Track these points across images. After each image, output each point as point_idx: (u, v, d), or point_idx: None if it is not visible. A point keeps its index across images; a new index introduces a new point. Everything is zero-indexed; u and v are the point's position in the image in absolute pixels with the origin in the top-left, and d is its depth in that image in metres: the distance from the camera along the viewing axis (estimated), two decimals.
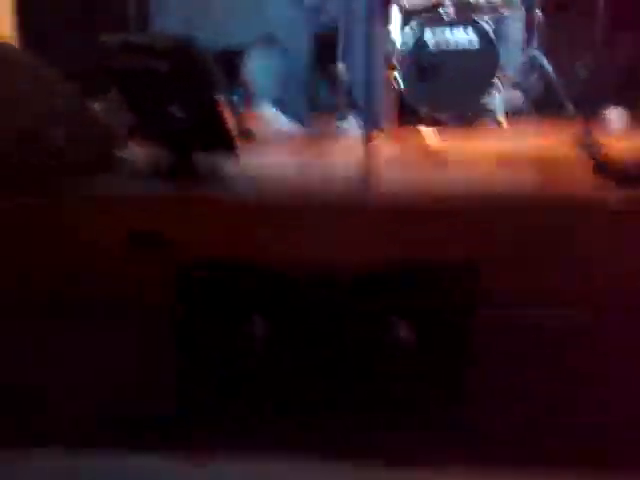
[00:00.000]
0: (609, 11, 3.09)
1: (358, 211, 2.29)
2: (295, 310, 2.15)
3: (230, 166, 2.56)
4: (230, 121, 2.68)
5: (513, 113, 3.96)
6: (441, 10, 3.79)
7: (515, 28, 4.13)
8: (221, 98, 2.62)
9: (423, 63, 3.72)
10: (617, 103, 4.01)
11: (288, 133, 3.50)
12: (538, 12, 4.12)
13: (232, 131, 2.62)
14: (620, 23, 3.35)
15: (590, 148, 2.72)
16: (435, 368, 2.15)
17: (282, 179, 2.54)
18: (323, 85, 4.05)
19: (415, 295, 2.15)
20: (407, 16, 3.93)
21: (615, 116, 4.01)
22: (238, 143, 2.61)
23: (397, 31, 3.93)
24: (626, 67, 4.20)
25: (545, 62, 4.09)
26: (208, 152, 2.59)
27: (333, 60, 3.81)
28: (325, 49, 3.86)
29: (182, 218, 2.25)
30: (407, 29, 3.82)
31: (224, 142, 2.56)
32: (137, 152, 2.80)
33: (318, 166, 2.79)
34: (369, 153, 2.66)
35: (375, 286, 2.16)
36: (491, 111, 3.86)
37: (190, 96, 2.57)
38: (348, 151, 2.91)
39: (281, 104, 3.63)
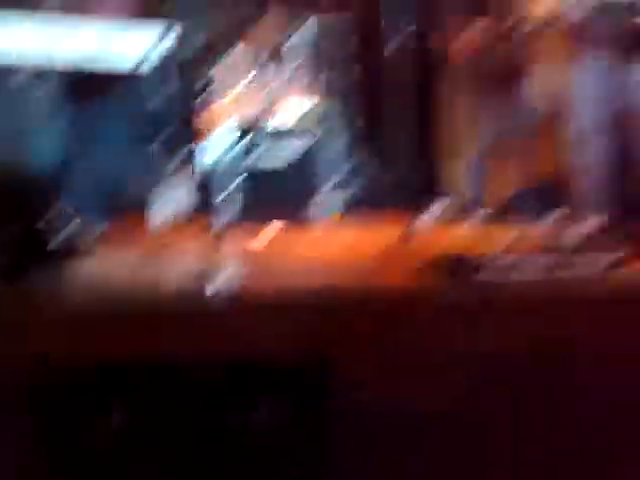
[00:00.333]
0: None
1: (201, 308, 2.38)
2: (150, 402, 2.21)
3: (65, 274, 2.58)
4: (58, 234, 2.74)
5: (343, 211, 4.27)
6: (264, 125, 4.06)
7: (343, 133, 4.48)
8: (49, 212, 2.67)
9: (250, 174, 3.95)
10: (441, 197, 4.42)
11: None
12: (359, 124, 4.53)
13: (59, 243, 2.66)
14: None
15: (414, 241, 2.98)
16: (292, 453, 2.26)
17: (121, 280, 2.59)
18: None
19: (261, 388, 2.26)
20: (232, 133, 4.17)
21: (438, 209, 4.41)
22: (70, 253, 2.64)
23: (222, 146, 4.16)
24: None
25: (369, 166, 4.47)
26: (36, 264, 2.60)
27: None
28: None
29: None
30: (232, 144, 4.05)
31: (51, 254, 2.59)
32: None
33: (158, 264, 2.83)
34: (208, 253, 2.78)
35: (222, 380, 2.26)
36: (323, 211, 4.13)
37: (16, 215, 2.61)
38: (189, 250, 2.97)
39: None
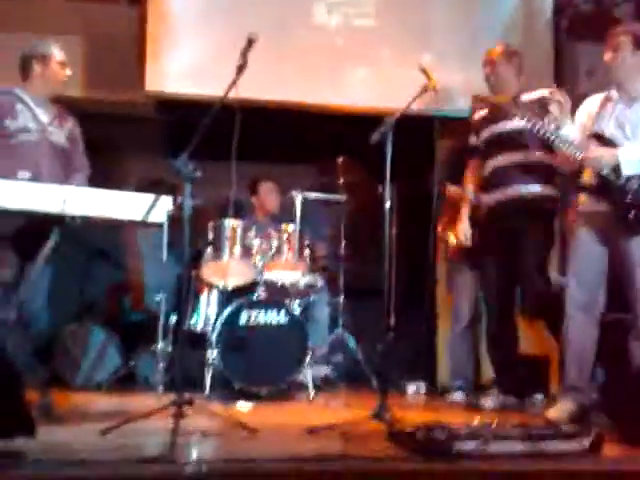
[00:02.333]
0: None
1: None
2: None
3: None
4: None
5: (322, 385, 4.28)
6: (255, 291, 4.15)
7: (323, 310, 4.59)
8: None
9: (237, 341, 4.00)
10: (414, 378, 4.47)
11: None
12: (342, 297, 4.65)
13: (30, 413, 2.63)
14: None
15: (386, 418, 3.00)
16: None
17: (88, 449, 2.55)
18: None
19: None
20: (223, 296, 4.28)
21: (413, 389, 4.45)
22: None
23: (213, 310, 4.25)
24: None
25: (350, 341, 4.53)
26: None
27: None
28: None
29: None
30: (222, 308, 4.14)
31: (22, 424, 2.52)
32: None
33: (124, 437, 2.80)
34: (177, 425, 2.76)
35: None
36: (302, 384, 4.13)
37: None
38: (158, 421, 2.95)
39: None
